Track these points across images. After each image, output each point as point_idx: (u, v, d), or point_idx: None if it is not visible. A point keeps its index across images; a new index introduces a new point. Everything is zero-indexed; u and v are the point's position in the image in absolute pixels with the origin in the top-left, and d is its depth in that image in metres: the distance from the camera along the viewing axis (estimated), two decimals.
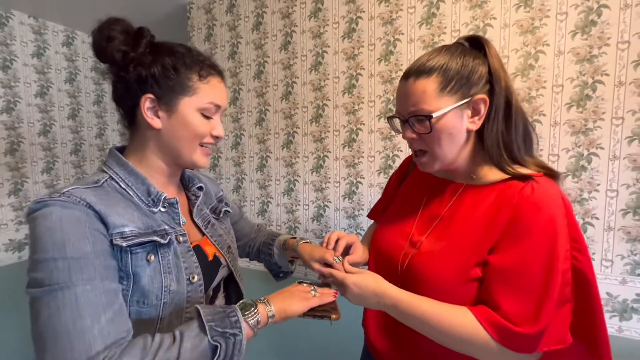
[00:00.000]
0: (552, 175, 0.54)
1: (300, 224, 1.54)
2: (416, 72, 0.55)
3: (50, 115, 1.98)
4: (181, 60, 0.54)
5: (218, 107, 0.57)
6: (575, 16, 1.03)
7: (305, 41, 1.45)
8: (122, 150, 0.59)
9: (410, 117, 0.56)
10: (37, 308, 0.42)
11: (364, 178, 1.37)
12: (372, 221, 0.81)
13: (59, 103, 2.02)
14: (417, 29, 1.24)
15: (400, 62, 1.27)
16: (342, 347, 1.47)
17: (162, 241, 0.52)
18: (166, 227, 0.55)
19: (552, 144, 1.08)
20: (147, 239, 0.50)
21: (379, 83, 1.32)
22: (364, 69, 1.34)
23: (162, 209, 0.57)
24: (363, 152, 1.37)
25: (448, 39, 1.20)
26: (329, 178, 1.45)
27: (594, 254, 1.06)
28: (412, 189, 0.70)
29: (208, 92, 0.56)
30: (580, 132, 1.05)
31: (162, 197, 0.56)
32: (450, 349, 0.53)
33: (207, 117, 0.56)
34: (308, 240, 0.74)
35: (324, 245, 0.69)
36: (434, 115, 0.53)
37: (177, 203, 0.58)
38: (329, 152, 1.44)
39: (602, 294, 1.05)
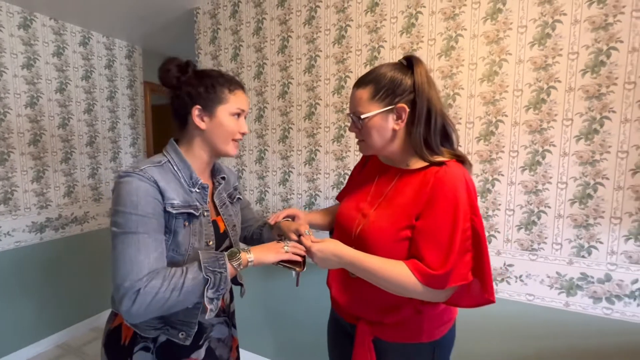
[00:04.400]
0: (461, 160, 0.73)
1: None
2: (358, 83, 0.75)
3: (69, 110, 2.16)
4: (216, 80, 0.78)
5: (243, 110, 0.81)
6: (533, 29, 1.17)
7: (300, 46, 1.60)
8: (176, 140, 0.82)
9: (352, 116, 0.76)
10: (116, 241, 0.66)
11: (350, 170, 1.53)
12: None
13: (76, 99, 2.20)
14: (398, 37, 1.38)
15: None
16: (316, 313, 1.65)
17: (195, 213, 0.75)
18: (197, 203, 0.77)
19: (512, 141, 1.23)
20: (186, 211, 0.73)
21: None
22: (351, 72, 1.49)
23: (197, 190, 0.79)
24: (350, 147, 1.53)
25: (423, 48, 1.34)
26: (320, 170, 1.61)
27: (546, 238, 1.21)
28: (367, 175, 0.89)
29: (235, 100, 0.79)
30: (536, 131, 1.19)
31: (199, 182, 0.79)
32: (387, 300, 0.73)
33: (236, 118, 0.80)
34: (289, 220, 0.95)
35: (273, 218, 0.94)
36: (363, 116, 0.72)
37: (207, 188, 0.81)
38: (320, 146, 1.60)
39: (552, 273, 1.20)
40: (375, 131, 0.73)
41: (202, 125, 0.77)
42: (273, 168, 1.74)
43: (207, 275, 0.66)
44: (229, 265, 0.69)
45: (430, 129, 0.71)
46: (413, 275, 0.67)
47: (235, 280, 0.95)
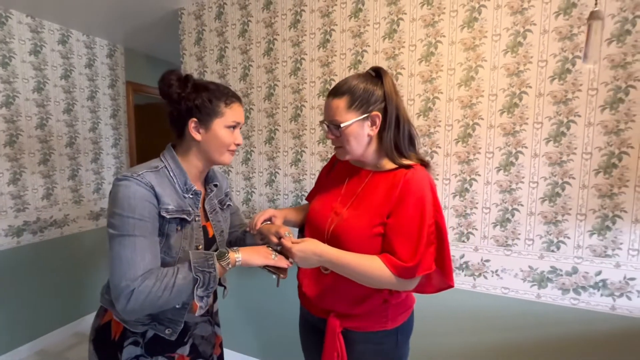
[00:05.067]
0: (425, 164, 0.81)
1: None
2: (333, 93, 0.80)
3: (47, 110, 2.10)
4: (213, 94, 0.80)
5: (238, 123, 0.83)
6: (506, 38, 1.24)
7: (285, 49, 1.63)
8: (174, 146, 0.84)
9: (329, 124, 0.81)
10: (112, 243, 0.68)
11: None
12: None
13: (55, 98, 2.14)
14: (381, 43, 1.43)
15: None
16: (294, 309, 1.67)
17: (188, 218, 0.78)
18: (190, 209, 0.80)
19: (488, 143, 1.30)
20: (179, 216, 0.76)
21: None
22: (336, 75, 1.53)
23: (190, 196, 0.81)
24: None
25: (406, 55, 1.40)
26: (306, 171, 1.64)
27: (519, 234, 1.28)
28: (337, 176, 0.95)
29: (231, 114, 0.81)
30: (510, 133, 1.26)
31: (193, 188, 0.81)
32: (357, 292, 0.80)
33: (231, 130, 0.82)
34: (270, 223, 0.96)
35: (250, 227, 0.94)
36: (342, 125, 0.78)
37: (200, 194, 0.84)
38: (306, 147, 1.63)
39: (525, 267, 1.28)
40: (353, 138, 0.79)
41: (198, 137, 0.80)
42: (259, 169, 1.76)
43: (196, 275, 0.70)
44: (217, 265, 0.72)
45: (399, 133, 0.79)
46: (387, 268, 0.74)
47: (218, 282, 0.98)
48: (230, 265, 0.74)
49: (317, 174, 1.61)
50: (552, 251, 1.24)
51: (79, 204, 2.31)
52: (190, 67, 1.91)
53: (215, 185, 0.93)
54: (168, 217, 0.74)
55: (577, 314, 1.22)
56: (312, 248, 0.76)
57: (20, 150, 1.97)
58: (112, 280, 0.67)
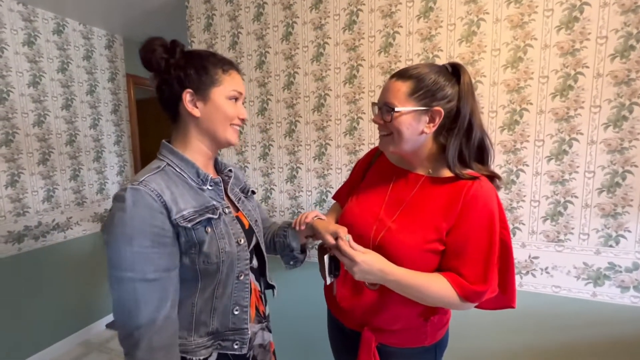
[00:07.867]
0: (491, 177, 0.73)
1: (303, 208, 1.61)
2: (399, 74, 0.71)
3: (44, 106, 1.95)
4: (207, 60, 0.68)
5: (240, 93, 0.72)
6: (560, 13, 1.12)
7: (306, 32, 1.50)
8: (168, 141, 0.72)
9: (383, 106, 0.72)
10: (110, 279, 0.58)
11: None
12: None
13: (52, 93, 1.99)
14: (415, 22, 1.31)
15: (399, 54, 1.34)
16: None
17: (214, 216, 0.66)
18: (214, 202, 0.68)
19: (537, 130, 1.19)
20: (201, 218, 0.64)
21: (378, 74, 1.39)
22: (364, 60, 1.41)
23: (209, 187, 0.70)
24: (364, 140, 1.45)
25: (444, 32, 1.27)
26: (331, 165, 1.52)
27: (572, 228, 1.18)
28: (378, 176, 0.85)
29: (231, 82, 0.70)
30: (563, 119, 1.15)
31: (209, 178, 0.70)
32: (398, 309, 0.75)
33: (233, 102, 0.70)
34: (323, 218, 0.85)
35: (297, 223, 0.85)
36: (397, 109, 0.69)
37: (220, 182, 0.72)
38: (331, 139, 1.51)
39: (579, 264, 1.18)
40: (405, 128, 0.70)
41: (196, 112, 0.68)
42: (279, 164, 1.64)
43: None
44: None
45: (469, 142, 0.70)
46: (453, 289, 0.68)
47: (267, 284, 0.87)
48: None
49: (344, 168, 1.49)
50: (610, 246, 1.14)
51: (82, 206, 2.17)
52: None
53: (230, 171, 0.82)
54: (190, 225, 0.62)
55: (638, 313, 1.13)
56: (379, 265, 0.67)
57: (18, 150, 1.83)
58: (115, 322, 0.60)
